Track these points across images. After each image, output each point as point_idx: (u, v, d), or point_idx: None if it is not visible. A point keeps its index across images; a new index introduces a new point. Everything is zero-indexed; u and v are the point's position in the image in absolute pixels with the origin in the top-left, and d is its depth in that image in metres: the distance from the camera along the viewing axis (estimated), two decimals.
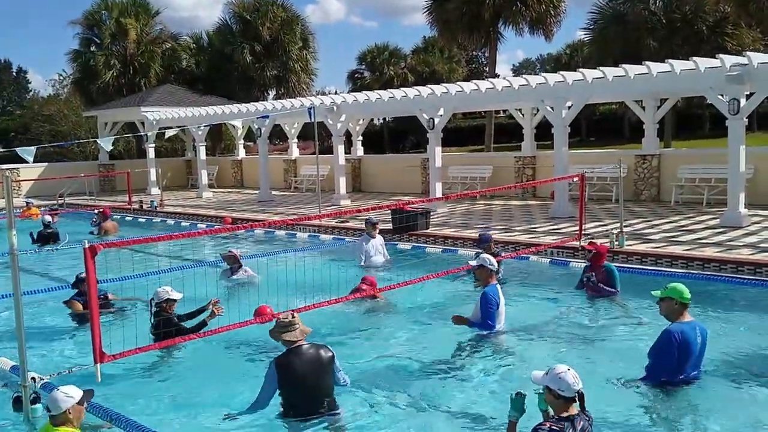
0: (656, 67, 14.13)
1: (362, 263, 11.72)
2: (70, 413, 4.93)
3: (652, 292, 6.23)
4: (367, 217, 12.39)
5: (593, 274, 9.21)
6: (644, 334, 7.41)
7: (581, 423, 4.36)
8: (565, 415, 4.38)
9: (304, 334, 5.56)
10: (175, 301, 7.88)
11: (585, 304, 9.19)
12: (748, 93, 13.34)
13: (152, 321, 7.74)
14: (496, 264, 7.94)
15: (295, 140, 28.94)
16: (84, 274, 9.36)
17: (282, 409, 5.55)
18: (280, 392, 5.50)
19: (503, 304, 7.81)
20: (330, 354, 5.59)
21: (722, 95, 13.28)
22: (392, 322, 8.88)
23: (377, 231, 12.09)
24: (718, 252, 11.00)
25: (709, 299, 8.75)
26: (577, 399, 4.41)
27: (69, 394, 4.97)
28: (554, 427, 4.28)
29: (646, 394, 5.99)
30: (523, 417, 4.64)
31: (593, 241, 9.93)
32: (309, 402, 5.49)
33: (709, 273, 10.17)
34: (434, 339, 7.98)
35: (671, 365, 5.90)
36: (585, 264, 9.66)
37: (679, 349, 5.85)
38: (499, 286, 7.82)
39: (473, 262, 7.98)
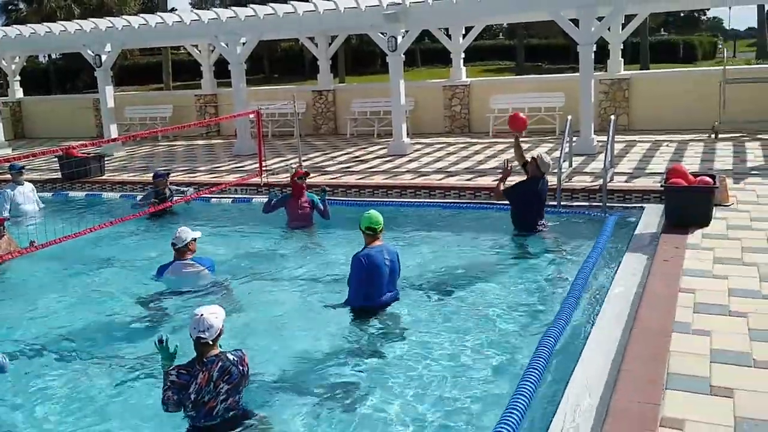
0: (322, 5, 14.60)
1: (6, 213, 10.87)
2: None
3: None
4: (10, 164, 11.55)
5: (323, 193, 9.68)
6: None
7: (217, 364, 4.27)
8: (210, 356, 4.31)
9: None
10: None
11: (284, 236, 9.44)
12: (404, 31, 14.49)
13: None
14: None
15: None
16: None
17: None
18: None
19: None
20: None
21: (383, 33, 14.24)
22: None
23: (23, 177, 11.62)
24: (385, 179, 11.99)
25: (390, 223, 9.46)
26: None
27: None
28: (182, 371, 4.29)
29: (347, 321, 6.26)
30: None
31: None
32: None
33: (378, 199, 11.00)
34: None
35: (366, 289, 6.25)
36: (277, 196, 9.84)
37: (369, 272, 6.20)
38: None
39: None
